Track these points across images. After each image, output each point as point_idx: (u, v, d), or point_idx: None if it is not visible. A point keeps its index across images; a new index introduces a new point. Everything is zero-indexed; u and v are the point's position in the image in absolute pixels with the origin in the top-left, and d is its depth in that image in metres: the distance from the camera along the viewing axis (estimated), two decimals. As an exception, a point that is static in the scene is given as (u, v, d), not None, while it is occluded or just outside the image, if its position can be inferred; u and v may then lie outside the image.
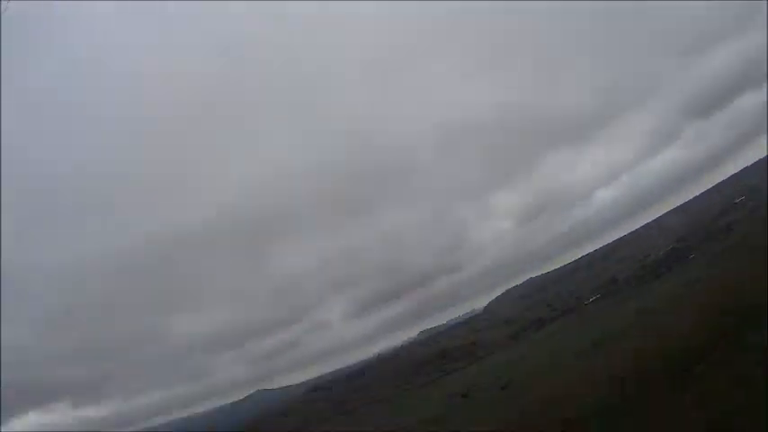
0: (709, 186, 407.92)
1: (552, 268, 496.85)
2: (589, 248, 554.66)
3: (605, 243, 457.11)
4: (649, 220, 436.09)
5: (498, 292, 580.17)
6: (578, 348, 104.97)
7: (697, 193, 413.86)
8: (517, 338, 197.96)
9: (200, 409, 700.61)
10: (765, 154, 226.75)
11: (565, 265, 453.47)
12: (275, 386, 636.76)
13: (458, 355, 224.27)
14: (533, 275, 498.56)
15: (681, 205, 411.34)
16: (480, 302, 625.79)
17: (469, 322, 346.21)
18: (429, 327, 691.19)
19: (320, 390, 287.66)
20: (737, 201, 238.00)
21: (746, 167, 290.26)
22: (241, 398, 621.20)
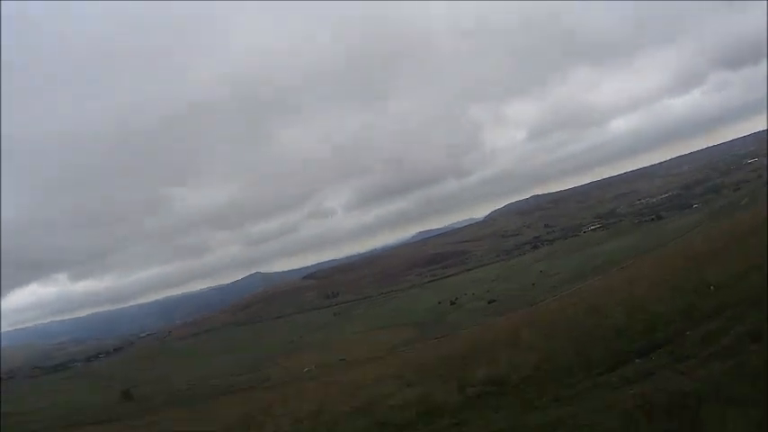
0: (724, 141, 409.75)
1: (557, 189, 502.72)
2: (596, 176, 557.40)
3: (613, 174, 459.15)
4: (660, 161, 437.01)
5: (500, 203, 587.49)
6: (569, 276, 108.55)
7: (711, 144, 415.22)
8: (511, 254, 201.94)
9: (197, 287, 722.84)
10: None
11: (570, 188, 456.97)
12: (271, 270, 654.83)
13: (451, 262, 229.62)
14: (538, 193, 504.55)
15: (693, 152, 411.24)
16: (481, 212, 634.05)
17: (467, 231, 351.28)
18: (427, 228, 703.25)
19: (314, 278, 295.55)
20: (750, 161, 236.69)
21: (764, 130, 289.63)
22: (238, 279, 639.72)
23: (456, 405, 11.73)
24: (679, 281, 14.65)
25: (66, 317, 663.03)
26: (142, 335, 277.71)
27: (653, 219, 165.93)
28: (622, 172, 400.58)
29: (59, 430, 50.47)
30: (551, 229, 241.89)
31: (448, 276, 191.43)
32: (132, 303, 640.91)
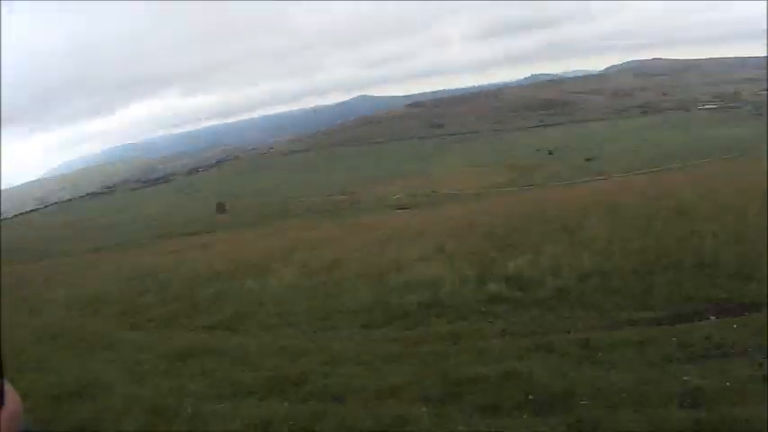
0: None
1: (682, 57, 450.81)
2: (727, 53, 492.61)
3: (746, 54, 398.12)
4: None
5: (621, 60, 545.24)
6: (673, 151, 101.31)
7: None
8: (620, 114, 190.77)
9: (303, 105, 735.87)
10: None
11: (695, 59, 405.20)
12: (377, 94, 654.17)
13: (559, 110, 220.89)
14: (661, 56, 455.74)
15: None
16: (599, 64, 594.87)
17: (581, 82, 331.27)
18: (541, 72, 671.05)
19: (420, 106, 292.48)
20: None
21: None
22: (344, 100, 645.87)
23: (463, 306, 9.92)
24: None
25: (175, 131, 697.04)
26: (246, 149, 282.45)
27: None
28: (756, 55, 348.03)
29: (151, 240, 55.20)
30: (667, 98, 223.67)
31: (554, 125, 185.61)
32: (239, 118, 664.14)
